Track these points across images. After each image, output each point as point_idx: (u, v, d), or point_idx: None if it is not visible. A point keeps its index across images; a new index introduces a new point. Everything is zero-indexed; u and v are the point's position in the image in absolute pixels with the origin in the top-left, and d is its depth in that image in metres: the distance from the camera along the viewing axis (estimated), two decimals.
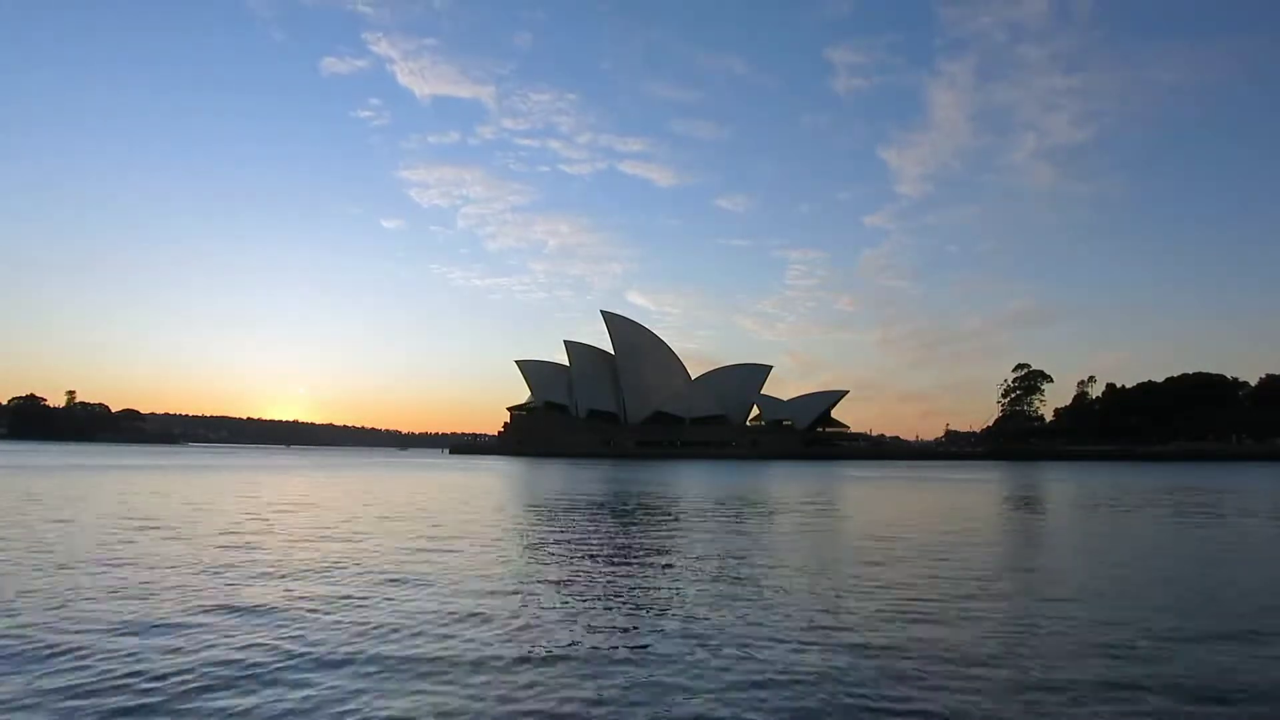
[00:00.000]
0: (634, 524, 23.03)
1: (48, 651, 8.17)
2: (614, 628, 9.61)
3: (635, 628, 9.63)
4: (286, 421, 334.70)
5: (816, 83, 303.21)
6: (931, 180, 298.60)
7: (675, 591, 12.00)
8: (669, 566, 14.47)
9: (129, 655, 8.06)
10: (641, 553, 16.40)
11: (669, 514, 26.64)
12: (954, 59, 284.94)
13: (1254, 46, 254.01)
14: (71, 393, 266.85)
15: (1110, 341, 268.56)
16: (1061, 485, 50.70)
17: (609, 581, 12.77)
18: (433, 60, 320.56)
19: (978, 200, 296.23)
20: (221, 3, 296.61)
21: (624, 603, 11.09)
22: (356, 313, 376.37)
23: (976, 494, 41.78)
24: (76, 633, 8.92)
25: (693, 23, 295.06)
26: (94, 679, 7.32)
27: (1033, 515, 29.14)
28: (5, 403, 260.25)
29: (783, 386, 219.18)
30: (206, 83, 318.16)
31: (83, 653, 8.13)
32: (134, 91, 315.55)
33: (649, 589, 12.20)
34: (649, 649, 8.60)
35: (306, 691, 7.06)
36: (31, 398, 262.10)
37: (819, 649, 8.62)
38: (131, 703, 6.74)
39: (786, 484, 49.46)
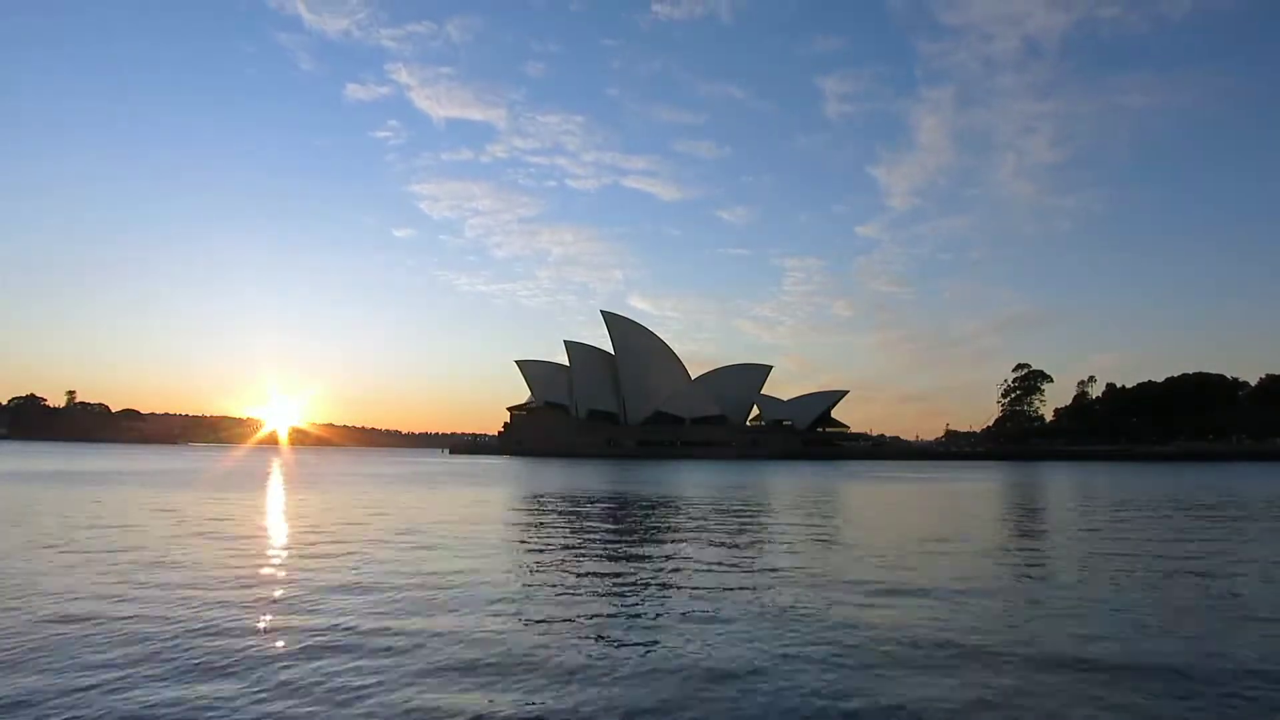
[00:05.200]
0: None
1: None
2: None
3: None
4: (288, 424, 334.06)
5: (809, 108, 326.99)
6: (919, 194, 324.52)
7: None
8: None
9: None
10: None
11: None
12: (935, 87, 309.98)
13: (1223, 76, 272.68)
14: (72, 393, 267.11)
15: (1106, 344, 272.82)
16: (1071, 488, 50.72)
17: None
18: (448, 87, 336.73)
19: (966, 212, 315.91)
20: (254, 36, 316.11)
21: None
22: (361, 316, 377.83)
23: (977, 497, 41.81)
24: None
25: (694, 54, 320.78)
26: None
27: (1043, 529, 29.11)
28: (5, 403, 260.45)
29: (782, 388, 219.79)
30: (233, 104, 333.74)
31: None
32: (161, 108, 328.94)
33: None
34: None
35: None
36: (32, 398, 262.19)
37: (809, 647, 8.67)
38: None
39: (789, 486, 49.51)
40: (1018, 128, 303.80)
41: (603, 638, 9.38)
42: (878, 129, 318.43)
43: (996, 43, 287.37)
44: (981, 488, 49.91)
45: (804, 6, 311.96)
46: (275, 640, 9.01)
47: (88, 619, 9.86)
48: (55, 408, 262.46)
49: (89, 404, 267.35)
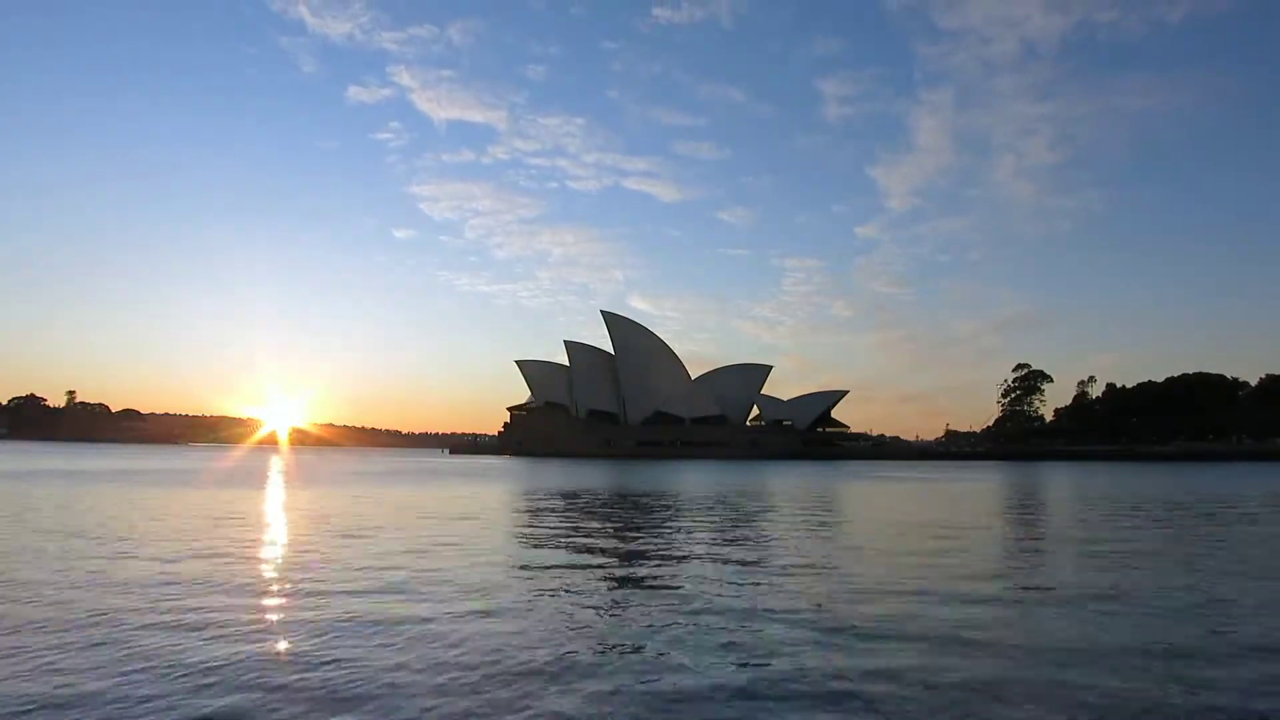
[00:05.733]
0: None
1: None
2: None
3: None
4: (288, 423, 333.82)
5: (808, 110, 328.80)
6: (919, 195, 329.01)
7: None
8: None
9: None
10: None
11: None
12: (933, 89, 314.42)
13: (1221, 77, 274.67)
14: (72, 393, 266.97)
15: (1106, 343, 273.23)
16: (1075, 488, 50.68)
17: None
18: (450, 89, 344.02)
19: (965, 213, 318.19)
20: (257, 39, 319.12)
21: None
22: (362, 316, 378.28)
23: (979, 497, 41.75)
24: None
25: (694, 57, 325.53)
26: None
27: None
28: (5, 403, 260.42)
29: (782, 388, 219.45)
30: (235, 106, 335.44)
31: None
32: (162, 109, 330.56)
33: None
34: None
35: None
36: (32, 398, 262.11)
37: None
38: None
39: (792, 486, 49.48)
40: (1017, 129, 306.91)
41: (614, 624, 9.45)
42: (877, 130, 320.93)
43: (995, 45, 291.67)
44: (982, 488, 49.99)
45: (803, 10, 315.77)
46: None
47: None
48: (55, 408, 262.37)
49: (89, 404, 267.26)
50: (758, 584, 13.11)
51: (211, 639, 9.06)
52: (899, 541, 19.97)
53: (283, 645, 8.92)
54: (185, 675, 7.67)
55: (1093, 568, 15.54)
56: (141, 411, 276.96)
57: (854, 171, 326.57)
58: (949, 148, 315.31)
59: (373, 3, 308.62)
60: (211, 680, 7.56)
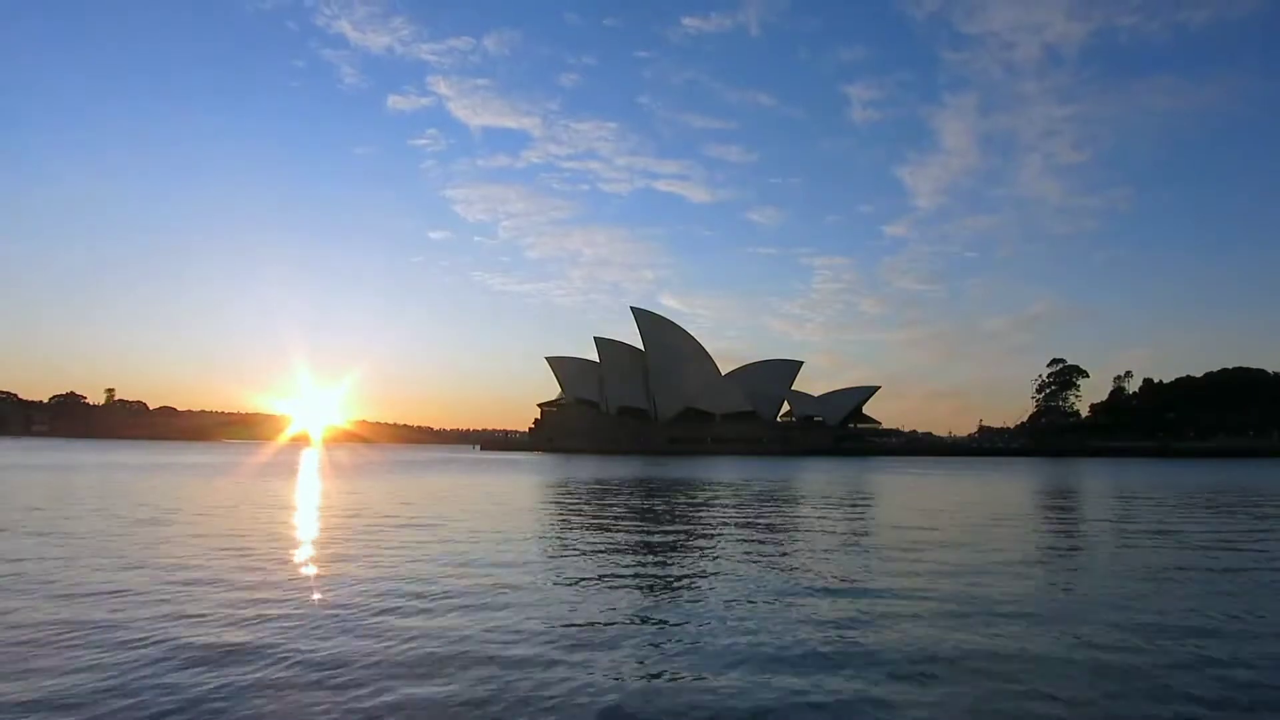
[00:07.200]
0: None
1: None
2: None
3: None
4: (322, 420, 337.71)
5: (835, 114, 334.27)
6: (946, 194, 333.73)
7: None
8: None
9: None
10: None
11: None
12: (958, 93, 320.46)
13: (1246, 77, 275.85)
14: (110, 390, 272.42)
15: (1137, 339, 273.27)
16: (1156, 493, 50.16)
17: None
18: (485, 97, 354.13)
19: (992, 212, 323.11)
20: (302, 53, 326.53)
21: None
22: (396, 314, 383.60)
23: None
24: None
25: (724, 64, 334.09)
26: None
27: None
28: (47, 400, 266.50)
29: (812, 385, 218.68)
30: (278, 113, 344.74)
31: None
32: (206, 113, 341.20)
33: None
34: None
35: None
36: (72, 395, 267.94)
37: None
38: None
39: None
40: (1042, 130, 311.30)
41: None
42: (903, 133, 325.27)
43: (1018, 50, 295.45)
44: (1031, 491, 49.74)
45: (829, 19, 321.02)
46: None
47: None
48: (95, 405, 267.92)
49: (127, 401, 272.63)
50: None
51: None
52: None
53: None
54: None
55: None
56: (178, 409, 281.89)
57: (881, 172, 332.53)
58: (975, 149, 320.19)
59: (412, 16, 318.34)
60: None
